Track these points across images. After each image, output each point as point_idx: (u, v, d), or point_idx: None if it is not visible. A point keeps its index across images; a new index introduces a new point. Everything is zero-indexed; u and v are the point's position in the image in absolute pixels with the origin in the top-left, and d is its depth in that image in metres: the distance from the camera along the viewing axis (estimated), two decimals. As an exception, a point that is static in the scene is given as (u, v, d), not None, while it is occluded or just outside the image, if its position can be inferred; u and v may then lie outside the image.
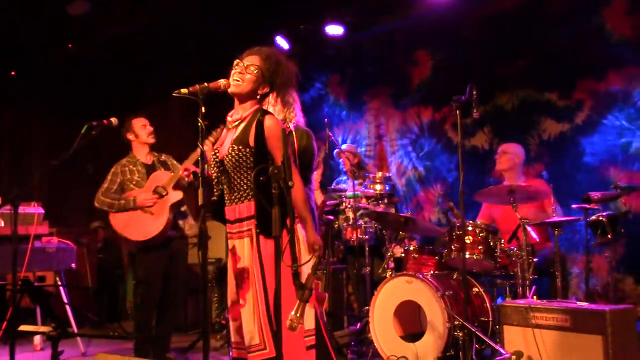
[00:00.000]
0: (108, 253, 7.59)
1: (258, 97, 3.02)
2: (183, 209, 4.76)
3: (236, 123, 3.00)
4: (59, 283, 5.38)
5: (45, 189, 7.73)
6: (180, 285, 4.73)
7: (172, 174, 4.53)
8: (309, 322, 2.88)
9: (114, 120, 3.91)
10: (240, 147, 2.89)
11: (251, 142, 2.88)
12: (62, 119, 7.95)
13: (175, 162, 4.77)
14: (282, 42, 6.68)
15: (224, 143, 3.02)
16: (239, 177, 2.92)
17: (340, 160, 6.08)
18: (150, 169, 4.64)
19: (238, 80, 2.95)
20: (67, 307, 5.35)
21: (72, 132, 3.79)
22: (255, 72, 2.96)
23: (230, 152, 2.91)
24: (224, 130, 3.11)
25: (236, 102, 3.04)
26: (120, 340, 5.40)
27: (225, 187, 3.01)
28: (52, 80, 8.07)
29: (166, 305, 4.61)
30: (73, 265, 5.46)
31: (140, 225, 4.44)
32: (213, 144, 3.27)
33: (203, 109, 2.79)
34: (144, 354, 4.40)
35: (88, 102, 7.89)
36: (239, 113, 3.01)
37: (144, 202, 4.42)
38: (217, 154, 3.00)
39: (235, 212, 2.95)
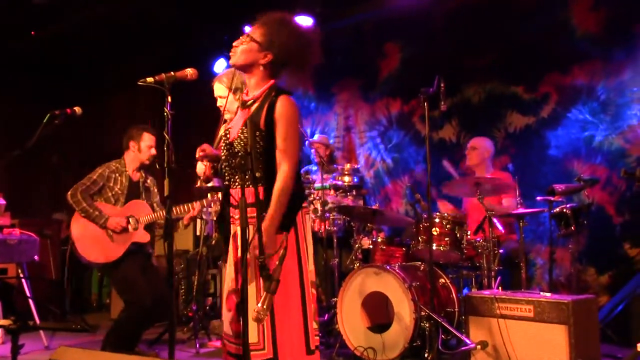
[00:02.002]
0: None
1: (262, 68, 2.76)
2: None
3: (250, 102, 2.78)
4: (22, 275, 5.27)
5: (7, 180, 7.56)
6: (163, 282, 4.41)
7: (150, 215, 4.41)
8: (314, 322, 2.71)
9: (77, 109, 3.80)
10: (248, 129, 2.66)
11: (262, 124, 2.67)
12: (25, 109, 7.77)
13: (157, 192, 4.66)
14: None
15: (235, 124, 2.83)
16: (249, 160, 2.63)
17: (312, 150, 6.06)
18: (133, 187, 4.52)
19: (233, 53, 2.77)
20: (30, 300, 5.24)
21: (34, 121, 3.70)
22: (247, 40, 2.76)
23: (239, 134, 2.72)
24: (239, 110, 2.90)
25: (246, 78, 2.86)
26: (83, 334, 5.31)
27: (232, 170, 2.78)
28: (14, 69, 7.88)
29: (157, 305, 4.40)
30: (36, 257, 5.35)
31: (96, 245, 4.33)
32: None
33: (169, 98, 2.74)
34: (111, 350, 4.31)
35: (51, 91, 7.73)
36: (253, 91, 2.80)
37: (113, 226, 4.30)
38: (228, 136, 2.81)
39: (237, 196, 2.70)
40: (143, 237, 4.37)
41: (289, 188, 2.62)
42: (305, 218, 2.76)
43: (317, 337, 2.73)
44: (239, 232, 2.67)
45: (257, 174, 2.28)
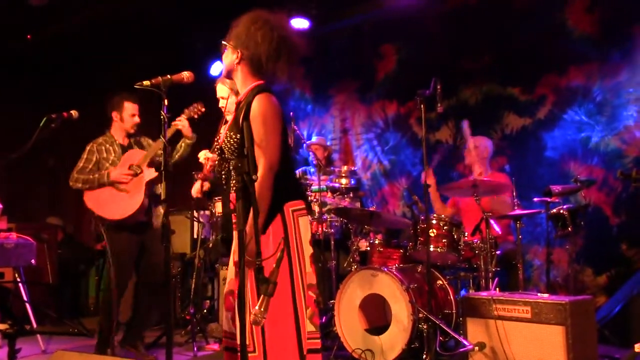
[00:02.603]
0: (69, 248, 7.45)
1: (241, 68, 2.76)
2: (158, 192, 4.62)
3: (237, 106, 2.82)
4: (18, 279, 5.25)
5: (3, 183, 7.54)
6: (157, 275, 4.44)
7: (147, 151, 4.44)
8: (308, 325, 2.67)
9: (74, 112, 3.81)
10: (232, 134, 2.70)
11: (241, 126, 2.67)
12: (21, 111, 7.76)
13: (150, 141, 4.65)
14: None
15: (224, 129, 2.85)
16: (235, 164, 2.69)
17: (310, 152, 6.07)
18: (127, 149, 4.53)
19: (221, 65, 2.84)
20: (27, 304, 5.23)
21: (31, 124, 3.69)
22: (223, 47, 2.80)
23: (224, 138, 2.74)
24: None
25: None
26: (81, 337, 5.30)
27: (226, 175, 2.80)
28: (11, 71, 7.86)
29: (140, 293, 4.53)
30: (33, 261, 5.33)
31: (115, 203, 4.33)
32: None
33: (166, 102, 2.74)
34: (105, 346, 4.32)
35: (48, 94, 7.72)
36: (241, 92, 2.81)
37: (118, 177, 4.32)
38: (218, 141, 2.86)
39: (233, 200, 2.73)
40: (150, 174, 4.37)
41: (267, 189, 2.59)
42: (298, 220, 2.71)
43: (316, 340, 2.69)
44: (234, 236, 2.72)
45: (254, 176, 2.26)
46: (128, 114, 4.54)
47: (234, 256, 2.77)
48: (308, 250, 2.75)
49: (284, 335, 2.60)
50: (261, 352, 2.57)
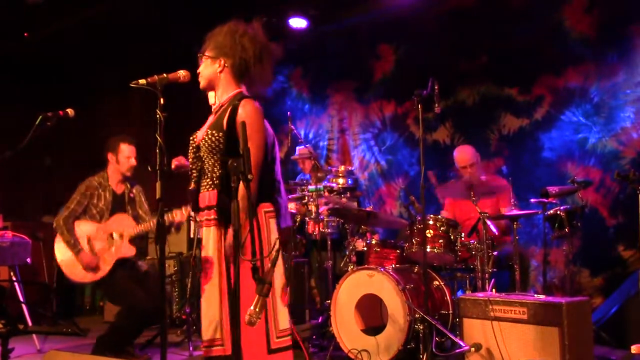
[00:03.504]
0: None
1: (223, 76, 2.89)
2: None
3: (217, 109, 2.91)
4: (14, 278, 5.23)
5: (-1, 182, 7.53)
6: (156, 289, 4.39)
7: (136, 226, 4.40)
8: (283, 322, 2.79)
9: (70, 111, 3.79)
10: (214, 132, 2.77)
11: (224, 126, 2.76)
12: (17, 110, 7.74)
13: (144, 200, 4.63)
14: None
15: (202, 129, 2.92)
16: (210, 163, 2.81)
17: (298, 165, 6.11)
18: (117, 200, 4.50)
19: (199, 79, 2.94)
20: (22, 303, 5.21)
21: (26, 123, 3.68)
22: (201, 59, 2.93)
23: (204, 137, 2.81)
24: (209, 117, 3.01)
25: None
26: (76, 337, 5.28)
27: (198, 173, 2.89)
28: (5, 70, 7.84)
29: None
30: (28, 259, 5.32)
31: (79, 266, 4.35)
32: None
33: (162, 101, 2.73)
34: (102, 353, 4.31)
35: (43, 93, 7.70)
36: (221, 99, 2.92)
37: (85, 263, 4.31)
38: (195, 139, 2.90)
39: (205, 199, 2.85)
40: (128, 251, 4.35)
41: (250, 193, 2.62)
42: (269, 222, 2.82)
43: (285, 338, 2.78)
44: (203, 234, 2.85)
45: (249, 176, 2.27)
46: (124, 156, 4.50)
47: (204, 251, 2.87)
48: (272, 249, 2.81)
49: (251, 330, 2.58)
50: (229, 345, 2.63)
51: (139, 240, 4.44)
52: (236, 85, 2.92)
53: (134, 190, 4.62)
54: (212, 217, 2.81)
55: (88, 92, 8.06)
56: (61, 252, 4.41)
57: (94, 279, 4.33)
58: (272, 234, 2.82)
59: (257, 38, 2.91)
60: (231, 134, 2.74)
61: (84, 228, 4.43)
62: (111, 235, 4.37)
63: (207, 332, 2.79)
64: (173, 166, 3.19)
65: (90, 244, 4.38)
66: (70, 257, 4.37)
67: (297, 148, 6.51)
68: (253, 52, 2.87)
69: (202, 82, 2.95)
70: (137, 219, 4.53)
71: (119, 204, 4.50)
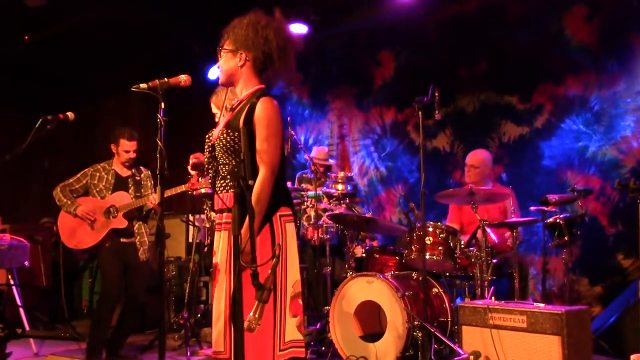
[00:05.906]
0: (62, 250, 7.40)
1: (243, 71, 2.75)
2: (147, 208, 4.69)
3: (235, 106, 2.77)
4: (12, 282, 5.21)
5: (-2, 184, 7.52)
6: (142, 288, 4.63)
7: (131, 200, 4.55)
8: (290, 333, 2.64)
9: (70, 114, 3.81)
10: (230, 131, 2.65)
11: (241, 125, 2.61)
12: (17, 113, 7.74)
13: (150, 185, 4.76)
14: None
15: (218, 127, 2.82)
16: (226, 164, 2.69)
17: (310, 164, 6.07)
18: (120, 182, 4.66)
19: (219, 74, 2.81)
20: (20, 307, 5.19)
21: (25, 126, 3.67)
22: (221, 54, 2.79)
23: (220, 135, 2.70)
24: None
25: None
26: (73, 341, 5.27)
27: (214, 174, 2.78)
28: (8, 73, 7.84)
29: (128, 306, 4.59)
30: (26, 262, 5.29)
31: (77, 233, 4.57)
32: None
33: (163, 105, 2.72)
34: (96, 355, 4.31)
35: (43, 96, 7.69)
36: (241, 95, 2.79)
37: (82, 214, 4.51)
38: (210, 138, 2.81)
39: (219, 201, 2.73)
40: (120, 223, 4.53)
41: (266, 193, 2.58)
42: (286, 227, 2.68)
43: (300, 349, 2.66)
44: (215, 238, 2.74)
45: (250, 182, 2.23)
46: (122, 150, 4.69)
47: (215, 257, 2.76)
48: (295, 257, 2.73)
49: (259, 340, 2.55)
50: (229, 351, 2.55)
51: (135, 214, 4.60)
52: (257, 80, 2.78)
53: (142, 175, 4.79)
54: (224, 220, 2.71)
55: (88, 94, 8.05)
56: (64, 218, 4.61)
57: (84, 246, 4.54)
58: (289, 238, 2.68)
59: (281, 30, 2.78)
60: (250, 132, 2.62)
61: (84, 204, 4.59)
62: (108, 209, 4.55)
63: (216, 344, 2.67)
64: (190, 163, 3.13)
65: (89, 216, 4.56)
66: (72, 224, 4.57)
67: (315, 148, 6.52)
68: (277, 44, 2.73)
69: (222, 78, 2.82)
70: (137, 198, 4.64)
71: (121, 185, 4.67)
